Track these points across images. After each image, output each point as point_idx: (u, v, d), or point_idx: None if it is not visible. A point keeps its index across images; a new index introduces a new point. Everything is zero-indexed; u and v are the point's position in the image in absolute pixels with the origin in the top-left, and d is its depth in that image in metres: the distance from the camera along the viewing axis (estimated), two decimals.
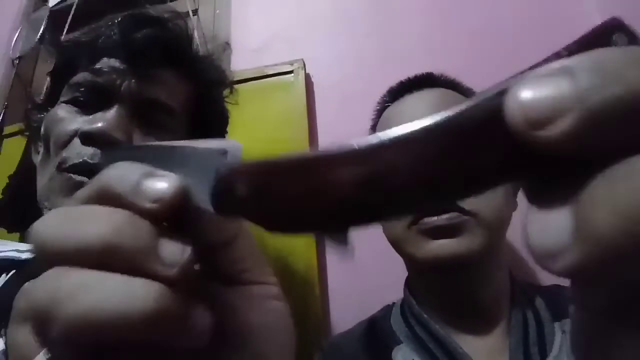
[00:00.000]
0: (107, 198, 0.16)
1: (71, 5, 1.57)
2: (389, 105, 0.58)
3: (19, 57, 1.58)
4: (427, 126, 0.12)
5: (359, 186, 0.12)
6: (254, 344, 0.19)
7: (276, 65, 1.11)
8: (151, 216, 0.16)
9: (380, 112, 0.61)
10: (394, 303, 0.57)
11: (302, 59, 1.11)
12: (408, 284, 0.55)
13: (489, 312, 0.47)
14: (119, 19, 0.51)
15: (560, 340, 0.43)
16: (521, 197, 0.50)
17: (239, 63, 1.19)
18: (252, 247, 0.19)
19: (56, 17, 1.56)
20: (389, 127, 0.39)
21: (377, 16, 1.16)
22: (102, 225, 0.15)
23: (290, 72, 1.09)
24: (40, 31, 1.53)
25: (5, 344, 0.44)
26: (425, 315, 0.48)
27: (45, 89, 0.57)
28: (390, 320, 0.53)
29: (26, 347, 0.15)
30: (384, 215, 0.14)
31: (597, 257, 0.10)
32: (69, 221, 0.16)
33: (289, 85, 1.08)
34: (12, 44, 1.62)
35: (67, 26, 1.51)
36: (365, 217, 0.13)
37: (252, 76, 1.10)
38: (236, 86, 1.09)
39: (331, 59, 1.14)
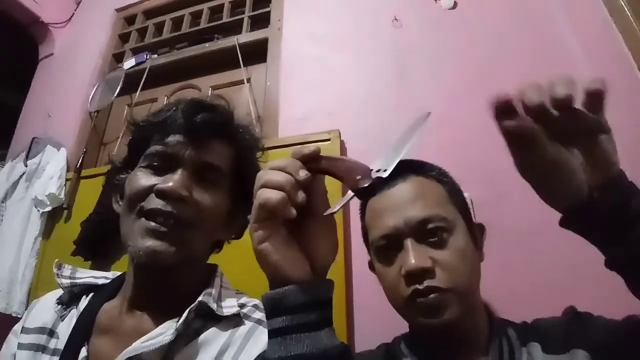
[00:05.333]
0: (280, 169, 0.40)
1: (142, 69, 1.84)
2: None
3: (96, 111, 1.84)
4: None
5: None
6: (320, 216, 0.42)
7: (316, 133, 1.32)
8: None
9: (365, 203, 0.71)
10: (402, 335, 0.70)
11: (338, 129, 1.31)
12: (409, 327, 0.69)
13: (473, 344, 0.61)
14: (183, 105, 0.64)
15: (528, 357, 0.57)
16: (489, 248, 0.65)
17: (285, 130, 1.41)
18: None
19: (129, 78, 1.83)
20: (377, 217, 0.56)
21: (399, 95, 1.37)
22: (282, 177, 0.39)
23: (328, 139, 1.30)
24: (117, 90, 1.78)
25: (88, 351, 0.59)
26: (424, 344, 0.64)
27: (124, 156, 0.70)
28: (400, 346, 0.67)
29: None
30: None
31: None
32: (270, 174, 0.40)
33: (327, 150, 1.26)
34: (90, 100, 1.88)
35: (140, 87, 1.78)
36: None
37: (296, 142, 1.31)
38: (282, 150, 1.30)
39: (362, 129, 1.34)
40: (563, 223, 0.44)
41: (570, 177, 0.41)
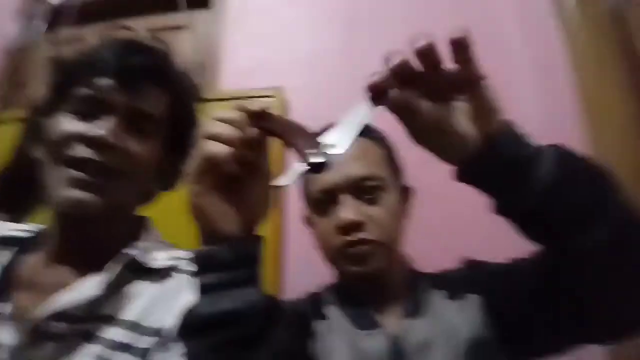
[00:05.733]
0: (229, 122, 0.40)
1: (70, 5, 1.66)
2: None
3: (16, 49, 1.66)
4: None
5: None
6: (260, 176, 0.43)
7: (259, 89, 1.28)
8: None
9: None
10: (329, 284, 0.75)
11: (282, 87, 1.29)
12: (336, 276, 0.74)
13: (392, 292, 0.68)
14: (115, 45, 0.60)
15: (433, 304, 0.64)
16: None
17: (226, 83, 1.36)
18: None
19: (54, 14, 1.65)
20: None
21: (348, 55, 1.36)
22: (231, 131, 0.39)
23: (272, 96, 1.27)
24: (40, 27, 1.61)
25: (12, 307, 0.56)
26: (348, 291, 0.69)
27: (46, 98, 0.63)
28: (326, 294, 0.72)
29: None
30: None
31: None
32: (218, 126, 0.40)
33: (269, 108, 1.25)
34: (9, 36, 1.69)
35: (66, 24, 1.62)
36: None
37: (237, 96, 1.25)
38: (222, 102, 1.26)
39: (307, 88, 1.33)
40: (457, 177, 0.46)
41: (455, 134, 0.42)
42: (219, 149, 0.39)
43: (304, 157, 0.38)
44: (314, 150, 0.38)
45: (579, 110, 1.07)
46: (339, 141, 0.39)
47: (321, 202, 0.68)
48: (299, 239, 1.13)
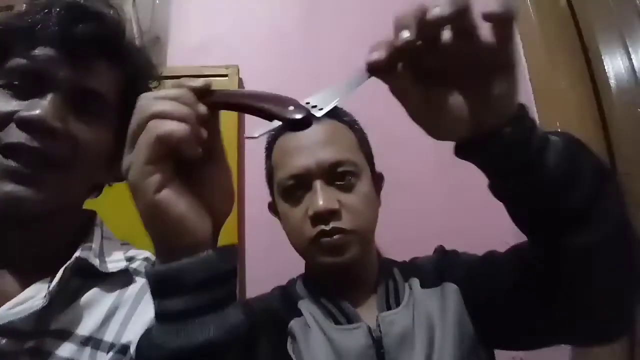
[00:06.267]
0: (174, 99, 0.34)
1: None
2: (281, 135, 0.67)
3: None
4: None
5: None
6: (218, 161, 0.38)
7: (213, 67, 1.20)
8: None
9: (273, 142, 0.69)
10: (298, 276, 0.72)
11: (237, 65, 1.22)
12: (307, 268, 0.71)
13: (364, 282, 0.66)
14: (58, 9, 0.50)
15: (408, 293, 0.63)
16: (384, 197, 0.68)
17: (175, 59, 1.27)
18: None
19: None
20: (287, 156, 0.55)
21: (307, 35, 1.31)
22: (182, 107, 0.33)
23: (225, 75, 1.20)
24: None
25: None
26: (320, 284, 0.66)
27: None
28: (296, 287, 0.69)
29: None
30: None
31: None
32: (163, 103, 0.33)
33: (223, 87, 1.18)
34: None
35: None
36: None
37: (189, 74, 1.16)
38: (170, 81, 1.17)
39: (263, 68, 1.26)
40: (458, 153, 0.42)
41: (457, 113, 0.38)
42: (174, 127, 0.31)
43: (280, 116, 0.33)
44: (293, 108, 0.33)
45: (531, 98, 1.11)
46: (321, 102, 0.34)
47: (291, 189, 0.64)
48: (260, 228, 1.09)
